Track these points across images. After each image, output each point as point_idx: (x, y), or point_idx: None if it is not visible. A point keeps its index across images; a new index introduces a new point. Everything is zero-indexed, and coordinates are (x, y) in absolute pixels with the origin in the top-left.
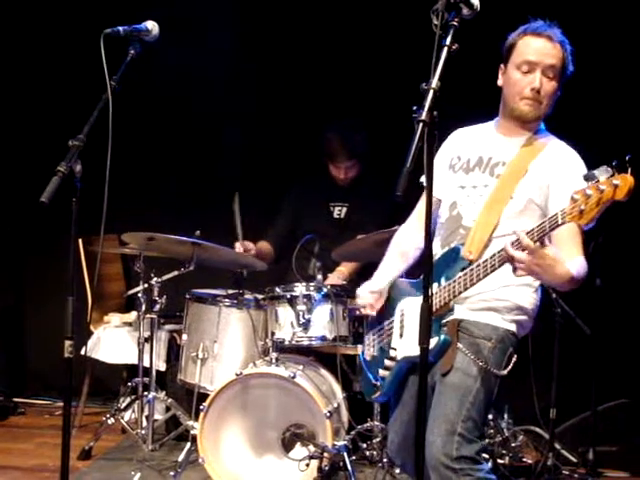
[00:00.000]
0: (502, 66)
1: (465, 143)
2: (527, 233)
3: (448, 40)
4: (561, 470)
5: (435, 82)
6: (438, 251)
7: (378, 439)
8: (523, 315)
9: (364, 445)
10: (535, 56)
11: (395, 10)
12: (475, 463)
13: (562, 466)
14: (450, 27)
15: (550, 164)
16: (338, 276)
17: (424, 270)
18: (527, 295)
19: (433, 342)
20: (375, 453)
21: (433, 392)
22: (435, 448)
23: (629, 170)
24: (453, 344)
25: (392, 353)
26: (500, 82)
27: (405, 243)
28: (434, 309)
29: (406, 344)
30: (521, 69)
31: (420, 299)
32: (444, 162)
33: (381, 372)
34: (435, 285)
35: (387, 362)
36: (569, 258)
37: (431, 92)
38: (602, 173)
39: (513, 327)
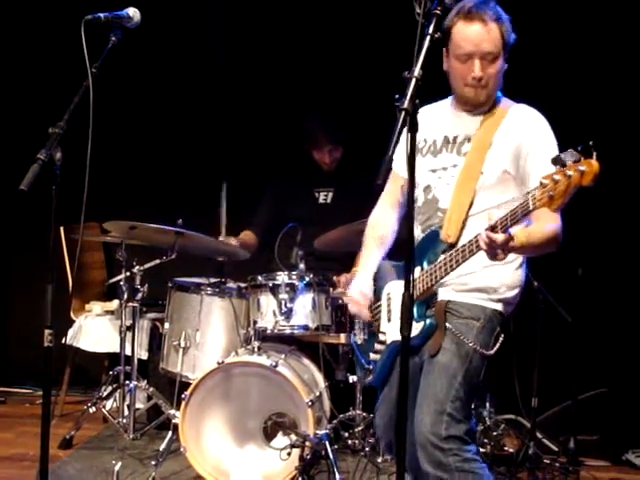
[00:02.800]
0: (444, 50)
1: (428, 124)
2: (500, 219)
3: (431, 28)
4: (542, 459)
5: (417, 70)
6: (418, 235)
7: (360, 428)
8: (509, 292)
9: (346, 434)
10: (470, 46)
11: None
12: (463, 443)
13: (543, 455)
14: (433, 15)
15: (515, 130)
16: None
17: (405, 257)
18: (511, 272)
19: (419, 326)
20: (357, 442)
21: (421, 372)
22: (424, 427)
23: (594, 155)
24: (441, 325)
25: (381, 337)
26: (445, 67)
27: (381, 227)
28: (418, 293)
29: (394, 328)
30: (460, 59)
31: (401, 283)
32: None
33: (372, 356)
34: (417, 269)
35: (377, 346)
36: (541, 220)
37: (413, 80)
38: (568, 157)
39: (500, 306)
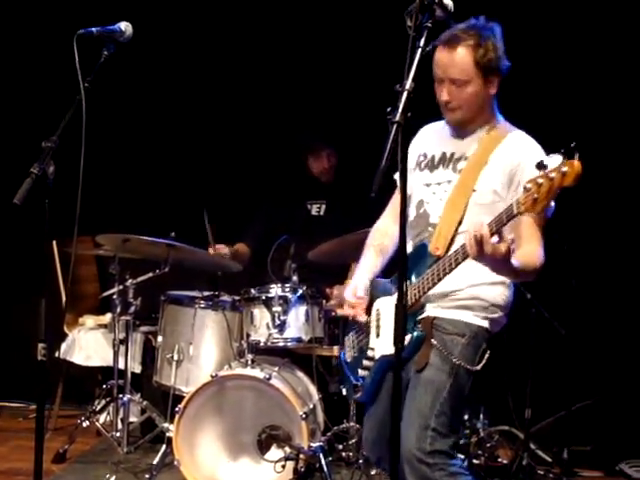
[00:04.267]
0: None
1: (430, 140)
2: (487, 224)
3: (422, 42)
4: (536, 470)
5: (409, 84)
6: (409, 249)
7: (354, 440)
8: (496, 312)
9: (340, 446)
10: (440, 71)
11: (369, 13)
12: (448, 457)
13: (537, 466)
14: (424, 29)
15: (511, 155)
16: None
17: (398, 269)
18: (499, 292)
19: (407, 339)
20: (351, 454)
21: (407, 388)
22: (409, 442)
23: (576, 156)
24: (427, 340)
25: (370, 353)
26: None
27: (382, 236)
28: (410, 302)
29: (382, 343)
30: (435, 81)
31: (394, 298)
32: (412, 159)
33: (360, 372)
34: (407, 283)
35: (365, 362)
36: (525, 246)
37: (405, 93)
38: (552, 161)
39: (486, 324)
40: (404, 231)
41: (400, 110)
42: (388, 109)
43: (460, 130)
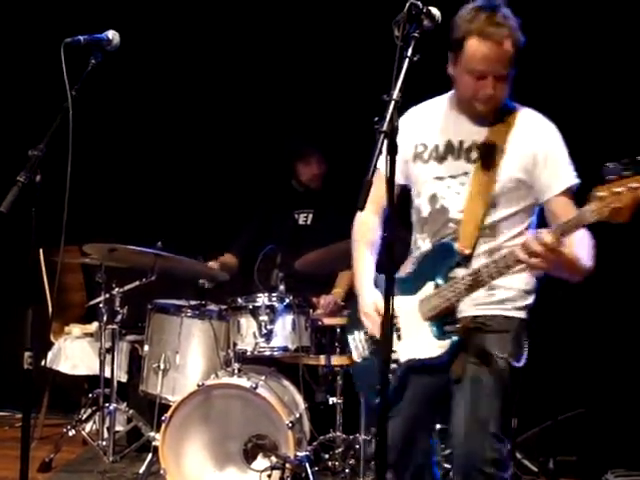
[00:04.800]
0: (451, 55)
1: (426, 127)
2: (550, 231)
3: (409, 51)
4: (522, 479)
5: (396, 93)
6: (427, 248)
7: (340, 449)
8: (529, 297)
9: (326, 456)
10: (485, 65)
11: (357, 22)
12: (503, 469)
13: (523, 475)
14: (411, 39)
15: (529, 137)
16: (335, 300)
17: (385, 275)
18: (527, 276)
19: (445, 344)
20: (337, 464)
21: (440, 392)
22: (468, 448)
23: None
24: (469, 343)
25: (394, 356)
26: (451, 72)
27: (370, 232)
28: (433, 311)
29: (408, 346)
30: (472, 74)
31: (414, 298)
32: (406, 150)
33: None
34: (430, 285)
35: (393, 365)
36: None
37: (392, 103)
38: (619, 169)
39: (524, 314)
40: (393, 234)
41: (387, 120)
42: (375, 119)
43: (462, 114)
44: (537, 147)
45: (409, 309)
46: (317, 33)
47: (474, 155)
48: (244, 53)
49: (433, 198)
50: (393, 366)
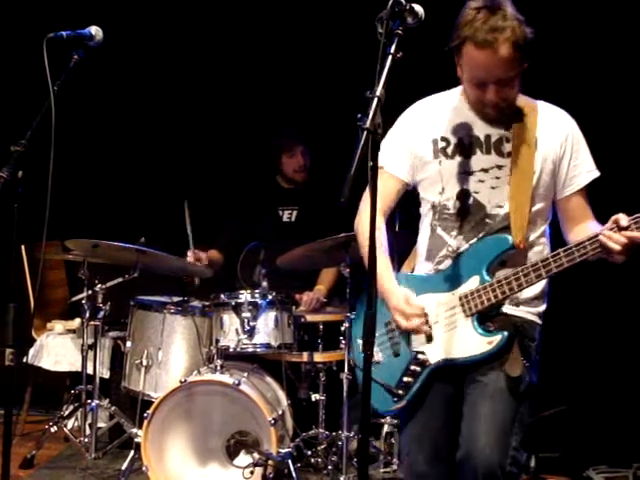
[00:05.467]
0: (456, 58)
1: (443, 121)
2: (632, 218)
3: (392, 48)
4: None
5: (379, 90)
6: (462, 245)
7: (323, 446)
8: (545, 301)
9: (309, 452)
10: (484, 73)
11: (340, 19)
12: (516, 478)
13: None
14: (395, 36)
15: (556, 129)
16: (318, 297)
17: (368, 275)
18: (544, 281)
19: (496, 339)
20: (320, 460)
21: (468, 389)
22: (491, 462)
23: None
24: (515, 345)
25: (421, 357)
26: (459, 74)
27: (377, 232)
28: (485, 305)
29: (441, 346)
30: (473, 82)
31: (450, 295)
32: (421, 146)
33: (406, 379)
34: (475, 279)
35: (414, 367)
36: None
37: (375, 100)
38: None
39: (540, 320)
40: (374, 237)
41: (370, 117)
42: (358, 115)
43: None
44: (564, 141)
45: (443, 307)
46: (301, 32)
47: (506, 148)
48: (229, 51)
49: (464, 194)
50: (417, 368)
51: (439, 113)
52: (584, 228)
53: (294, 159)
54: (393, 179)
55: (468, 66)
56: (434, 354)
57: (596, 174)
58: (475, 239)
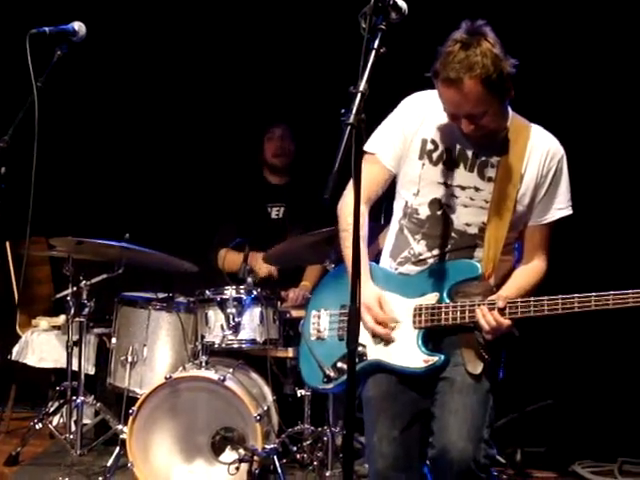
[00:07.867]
0: None
1: (438, 125)
2: (510, 304)
3: (376, 44)
4: None
5: (363, 85)
6: (424, 252)
7: (308, 442)
8: None
9: (294, 448)
10: (452, 108)
11: (323, 14)
12: (489, 470)
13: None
14: (378, 31)
15: (542, 162)
16: (304, 293)
17: (352, 270)
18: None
19: (433, 360)
20: (305, 456)
21: (437, 388)
22: (465, 454)
23: None
24: (474, 342)
25: (360, 349)
26: None
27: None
28: (433, 324)
29: (382, 347)
30: (447, 114)
31: (410, 302)
32: (412, 140)
33: (340, 365)
34: (433, 296)
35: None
36: (536, 260)
37: (359, 95)
38: None
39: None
40: (357, 232)
41: (354, 112)
42: (342, 111)
43: None
44: (545, 172)
45: (400, 312)
46: (285, 28)
47: (489, 173)
48: (215, 47)
49: (435, 203)
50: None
51: (438, 113)
52: (523, 272)
53: (272, 142)
54: (382, 167)
55: (441, 99)
56: (373, 352)
57: (567, 212)
58: (437, 250)
